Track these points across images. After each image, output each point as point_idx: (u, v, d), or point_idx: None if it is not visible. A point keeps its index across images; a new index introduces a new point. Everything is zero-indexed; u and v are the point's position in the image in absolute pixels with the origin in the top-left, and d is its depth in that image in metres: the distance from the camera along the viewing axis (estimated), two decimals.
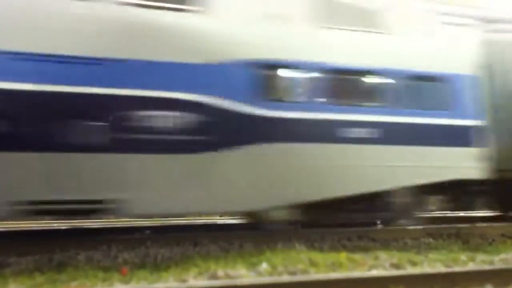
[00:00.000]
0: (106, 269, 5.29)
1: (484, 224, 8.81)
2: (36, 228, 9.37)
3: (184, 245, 6.87)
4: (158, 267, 5.53)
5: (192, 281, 4.59)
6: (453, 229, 8.30)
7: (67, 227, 8.89)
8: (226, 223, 10.07)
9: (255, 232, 7.54)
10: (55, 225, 9.71)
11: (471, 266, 5.40)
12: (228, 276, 4.85)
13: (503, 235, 8.12)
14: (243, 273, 5.00)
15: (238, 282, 4.33)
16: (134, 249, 6.58)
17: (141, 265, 5.65)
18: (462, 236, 7.85)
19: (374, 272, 4.95)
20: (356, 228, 7.82)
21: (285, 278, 4.62)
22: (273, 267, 5.28)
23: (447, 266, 5.46)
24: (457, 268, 5.16)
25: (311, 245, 6.70)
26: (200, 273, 5.06)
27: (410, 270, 5.02)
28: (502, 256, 6.12)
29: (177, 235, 7.45)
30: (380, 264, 5.44)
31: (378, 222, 8.71)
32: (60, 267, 5.34)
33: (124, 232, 8.22)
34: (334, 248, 6.52)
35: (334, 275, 4.62)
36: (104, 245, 6.67)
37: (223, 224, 10.04)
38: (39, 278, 4.79)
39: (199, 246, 6.84)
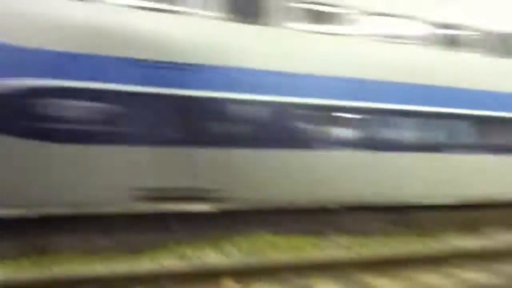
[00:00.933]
0: (86, 253, 5.69)
1: (431, 211, 9.55)
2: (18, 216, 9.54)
3: (157, 232, 7.28)
4: (134, 251, 5.96)
5: (165, 263, 5.05)
6: (405, 215, 9.04)
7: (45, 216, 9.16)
8: (195, 211, 10.51)
9: (223, 219, 8.06)
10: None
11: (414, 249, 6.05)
12: (198, 258, 5.34)
13: (452, 221, 8.90)
14: (212, 255, 5.50)
15: (208, 262, 4.82)
16: (110, 235, 6.96)
17: (118, 250, 6.06)
18: (411, 222, 8.56)
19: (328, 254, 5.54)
20: (318, 215, 8.43)
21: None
22: (240, 249, 5.82)
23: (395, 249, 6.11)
24: (406, 250, 5.81)
25: (274, 230, 7.23)
26: (173, 256, 5.55)
27: (365, 255, 5.60)
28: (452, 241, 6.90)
29: (150, 223, 7.88)
30: (338, 247, 6.05)
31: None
32: (43, 252, 5.69)
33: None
34: (295, 233, 7.08)
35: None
36: (82, 232, 7.03)
37: (193, 212, 10.47)
38: (24, 262, 5.14)
39: (171, 232, 7.27)
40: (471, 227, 8.10)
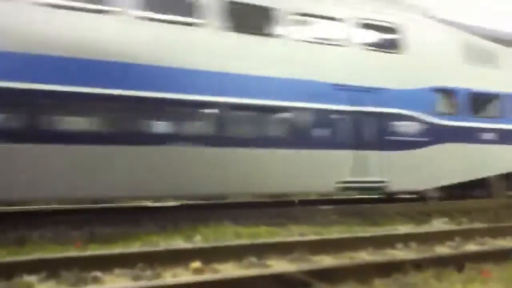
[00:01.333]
0: (61, 244, 6.16)
1: (383, 205, 10.51)
2: None
3: (127, 225, 7.81)
4: (106, 241, 6.47)
5: (137, 249, 5.62)
6: (357, 208, 9.92)
7: (18, 210, 9.48)
8: (162, 206, 11.06)
9: (188, 212, 8.67)
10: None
11: (358, 234, 6.85)
12: (168, 245, 5.93)
13: (397, 213, 9.84)
14: (181, 244, 6.10)
15: (176, 247, 5.43)
16: (81, 229, 7.44)
17: (90, 241, 6.55)
18: (364, 214, 9.43)
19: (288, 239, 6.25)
20: (275, 208, 9.16)
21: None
22: (206, 238, 6.45)
23: (342, 234, 6.89)
24: (348, 235, 6.59)
25: (237, 221, 7.90)
26: (144, 245, 6.11)
27: (312, 237, 6.35)
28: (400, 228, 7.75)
29: (119, 217, 8.39)
30: (291, 234, 6.77)
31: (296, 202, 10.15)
32: (19, 243, 6.13)
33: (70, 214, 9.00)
34: (256, 224, 7.77)
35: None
36: (52, 225, 7.48)
37: (160, 206, 11.02)
38: (1, 252, 5.57)
39: (141, 225, 7.81)
40: (413, 217, 9.03)
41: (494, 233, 7.06)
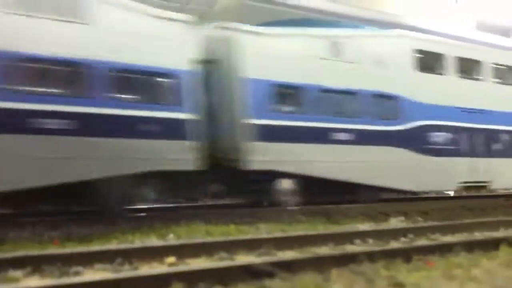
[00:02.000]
0: (40, 243, 6.47)
1: (346, 205, 11.14)
2: None
3: (102, 225, 8.12)
4: (83, 240, 6.80)
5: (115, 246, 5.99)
6: (322, 208, 10.51)
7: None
8: (135, 208, 11.37)
9: (161, 213, 9.06)
10: None
11: (321, 231, 7.41)
12: (144, 243, 6.33)
13: (360, 213, 10.48)
14: (155, 242, 6.51)
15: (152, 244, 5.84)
16: (57, 229, 7.72)
17: (68, 240, 6.87)
18: (328, 214, 10.03)
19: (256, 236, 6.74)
20: (245, 209, 9.65)
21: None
22: (178, 236, 6.87)
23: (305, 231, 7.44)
24: (311, 232, 7.14)
25: (208, 221, 8.34)
26: (120, 243, 6.48)
27: (278, 235, 6.86)
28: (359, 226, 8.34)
29: (94, 217, 8.70)
30: (259, 232, 7.27)
31: (265, 204, 10.67)
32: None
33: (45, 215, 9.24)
34: (226, 223, 8.23)
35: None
36: (29, 225, 7.74)
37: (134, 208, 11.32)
38: None
39: (116, 226, 8.14)
40: (373, 216, 9.69)
41: (445, 230, 7.74)
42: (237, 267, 4.61)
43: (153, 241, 6.77)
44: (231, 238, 6.47)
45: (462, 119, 13.67)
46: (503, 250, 5.81)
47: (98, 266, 5.07)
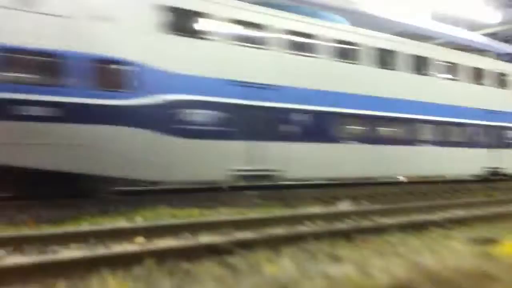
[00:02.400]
0: (14, 225, 6.90)
1: (300, 190, 11.99)
2: None
3: (70, 209, 8.55)
4: (54, 223, 7.27)
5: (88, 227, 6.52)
6: (278, 193, 11.32)
7: None
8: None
9: (127, 198, 9.59)
10: None
11: (276, 214, 8.17)
12: (113, 225, 6.88)
13: (312, 197, 11.34)
14: (124, 223, 7.07)
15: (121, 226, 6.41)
16: (27, 213, 8.11)
17: (40, 222, 7.31)
18: (283, 198, 10.82)
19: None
20: (206, 193, 10.29)
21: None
22: (145, 219, 7.44)
23: (262, 214, 8.19)
24: (267, 215, 7.89)
25: (172, 205, 8.93)
26: (91, 225, 7.00)
27: (237, 217, 7.56)
28: (310, 209, 9.14)
29: (61, 202, 9.11)
30: (220, 215, 7.95)
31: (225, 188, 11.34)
32: None
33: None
34: (189, 207, 8.85)
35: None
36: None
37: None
38: None
39: (83, 209, 8.60)
40: (323, 201, 10.57)
41: (385, 213, 8.67)
42: (200, 246, 5.27)
43: (122, 223, 7.32)
44: (194, 220, 7.11)
45: (235, 94, 11.04)
46: (432, 231, 6.73)
47: (73, 246, 5.61)
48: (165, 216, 7.81)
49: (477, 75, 17.33)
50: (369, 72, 13.96)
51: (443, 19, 23.44)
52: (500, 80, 18.23)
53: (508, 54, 27.29)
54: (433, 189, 14.26)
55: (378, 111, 13.94)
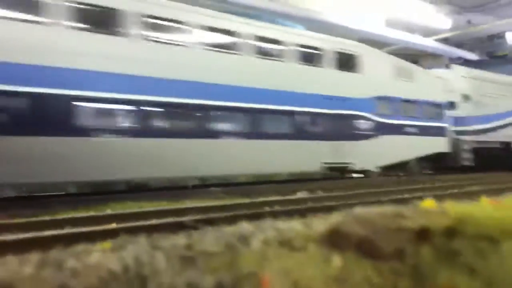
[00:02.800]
0: None
1: (261, 185, 12.76)
2: None
3: (40, 208, 8.95)
4: (29, 217, 7.71)
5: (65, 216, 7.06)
6: (241, 188, 12.06)
7: None
8: (68, 193, 12.19)
9: (93, 196, 10.12)
10: None
11: (237, 202, 8.90)
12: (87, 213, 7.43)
13: (273, 190, 12.12)
14: (98, 213, 7.62)
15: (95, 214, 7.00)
16: (4, 209, 8.49)
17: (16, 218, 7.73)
18: (245, 193, 11.54)
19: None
20: (173, 190, 10.92)
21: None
22: (115, 210, 8.02)
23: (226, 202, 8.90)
24: (228, 203, 8.60)
25: (140, 200, 9.50)
26: (63, 215, 7.51)
27: (203, 204, 8.25)
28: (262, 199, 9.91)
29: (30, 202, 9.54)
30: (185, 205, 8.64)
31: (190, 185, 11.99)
32: None
33: None
34: (156, 199, 9.45)
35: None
36: None
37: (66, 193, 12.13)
38: None
39: (52, 208, 9.00)
40: (284, 193, 11.37)
41: (333, 199, 9.56)
42: (170, 223, 5.96)
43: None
44: (162, 208, 7.76)
45: None
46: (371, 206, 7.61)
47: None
48: (134, 208, 8.39)
49: (313, 56, 14.59)
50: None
51: (396, 26, 24.51)
52: (350, 63, 15.60)
53: (459, 58, 29.13)
54: (387, 181, 15.29)
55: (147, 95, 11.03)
